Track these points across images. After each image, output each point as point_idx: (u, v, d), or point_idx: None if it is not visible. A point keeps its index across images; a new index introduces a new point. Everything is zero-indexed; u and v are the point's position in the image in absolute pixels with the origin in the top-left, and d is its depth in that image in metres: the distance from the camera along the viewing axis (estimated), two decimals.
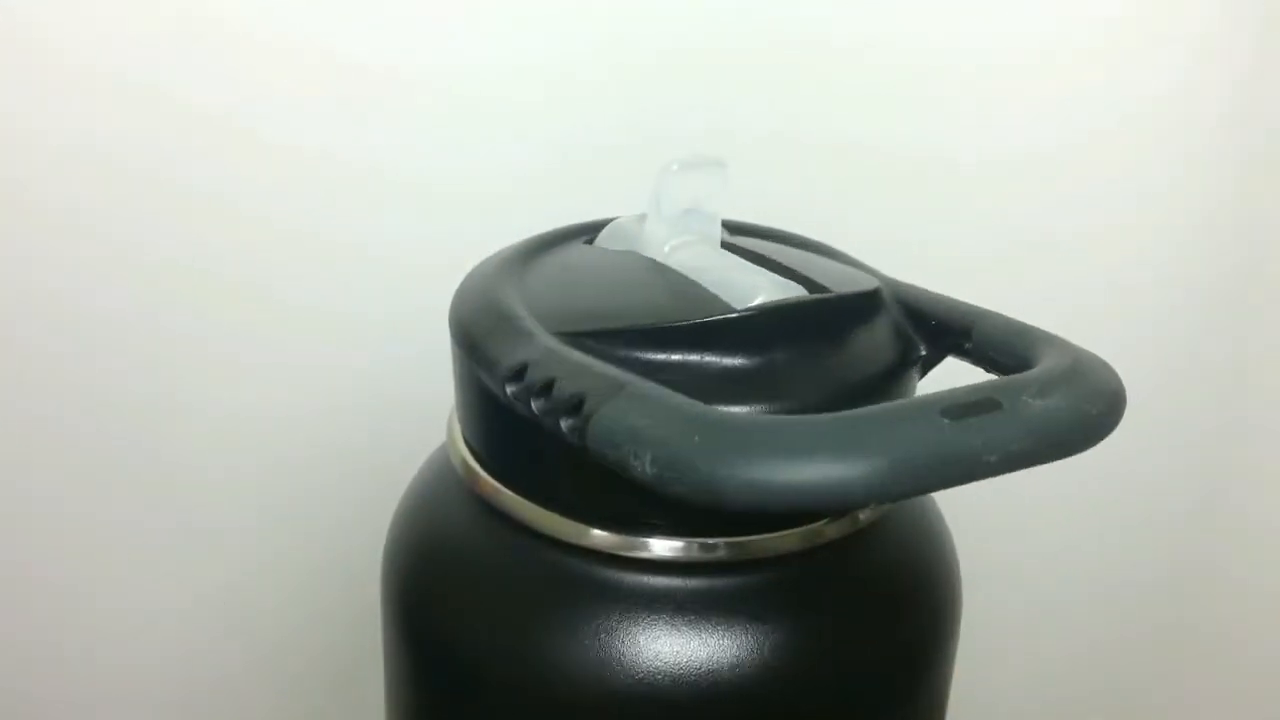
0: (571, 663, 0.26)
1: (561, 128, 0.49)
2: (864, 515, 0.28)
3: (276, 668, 0.56)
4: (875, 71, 0.49)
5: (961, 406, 0.22)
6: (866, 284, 0.28)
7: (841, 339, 0.27)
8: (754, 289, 0.27)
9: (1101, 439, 0.23)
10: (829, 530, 0.27)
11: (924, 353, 0.28)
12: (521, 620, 0.27)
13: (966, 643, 0.31)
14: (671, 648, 0.26)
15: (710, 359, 0.25)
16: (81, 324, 0.49)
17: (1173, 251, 0.52)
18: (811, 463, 0.20)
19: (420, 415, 0.36)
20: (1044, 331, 0.26)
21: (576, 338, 0.25)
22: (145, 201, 0.48)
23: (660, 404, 0.21)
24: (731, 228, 0.32)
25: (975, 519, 0.35)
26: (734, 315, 0.26)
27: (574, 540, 0.26)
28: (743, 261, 0.29)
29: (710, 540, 0.26)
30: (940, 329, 0.28)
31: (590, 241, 0.32)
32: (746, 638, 0.26)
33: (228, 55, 0.47)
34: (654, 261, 0.29)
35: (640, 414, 0.21)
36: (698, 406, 0.21)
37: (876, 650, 0.28)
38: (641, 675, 0.26)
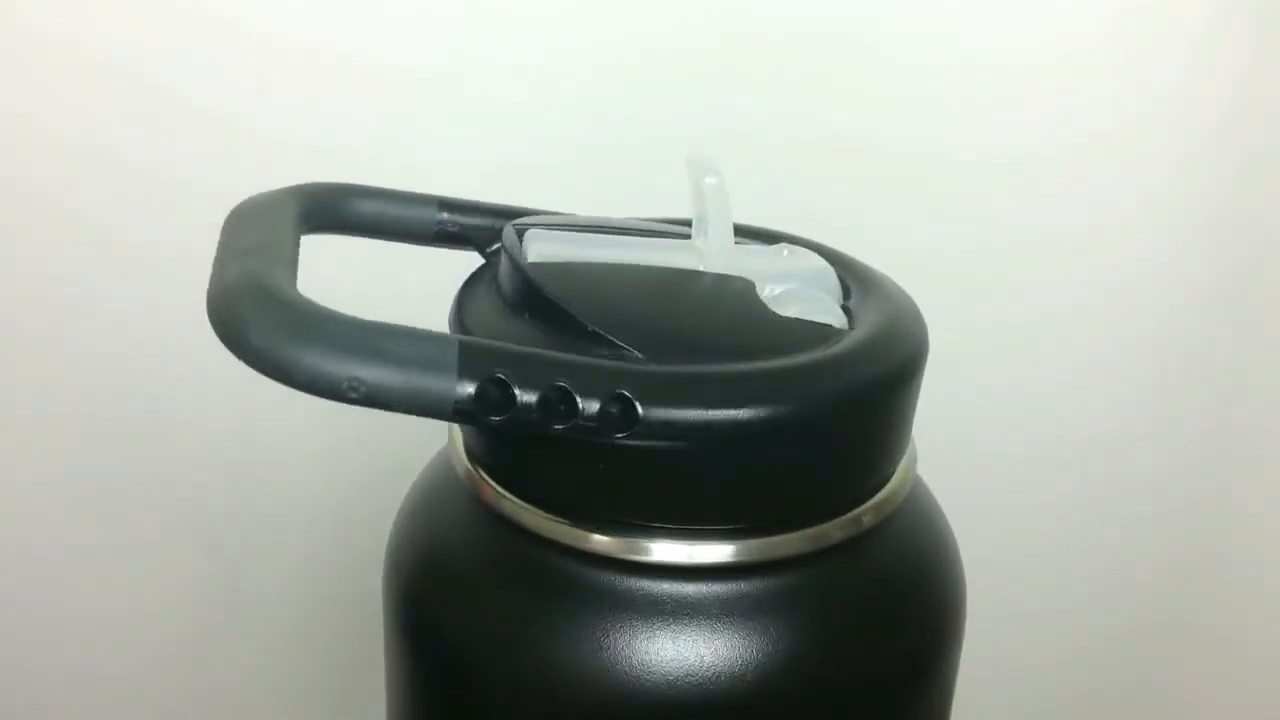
0: (573, 667, 0.26)
1: (562, 126, 0.49)
2: (867, 519, 0.28)
3: (277, 671, 0.56)
4: (876, 71, 0.49)
5: None
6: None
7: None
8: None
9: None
10: (833, 533, 0.27)
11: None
12: (523, 625, 0.26)
13: (967, 643, 0.31)
14: (673, 652, 0.26)
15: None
16: (82, 323, 0.49)
17: (1173, 251, 0.52)
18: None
19: (422, 419, 0.36)
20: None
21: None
22: (147, 200, 0.48)
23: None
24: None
25: (976, 520, 0.35)
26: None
27: (575, 544, 0.26)
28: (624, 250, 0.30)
29: (712, 544, 0.26)
30: None
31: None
32: (749, 642, 0.26)
33: (227, 53, 0.46)
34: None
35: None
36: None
37: (881, 654, 0.28)
38: (643, 680, 0.26)
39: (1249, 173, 0.50)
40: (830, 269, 0.30)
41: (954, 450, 0.42)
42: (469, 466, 0.29)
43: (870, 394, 0.26)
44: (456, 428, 0.30)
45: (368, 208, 0.32)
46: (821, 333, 0.27)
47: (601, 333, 0.26)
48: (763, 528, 0.26)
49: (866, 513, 0.27)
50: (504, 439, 0.27)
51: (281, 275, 0.24)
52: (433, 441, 0.32)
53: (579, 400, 0.23)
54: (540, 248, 0.29)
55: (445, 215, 0.33)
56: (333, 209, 0.32)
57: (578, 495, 0.26)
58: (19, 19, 0.45)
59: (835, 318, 0.28)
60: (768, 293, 0.29)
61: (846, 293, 0.30)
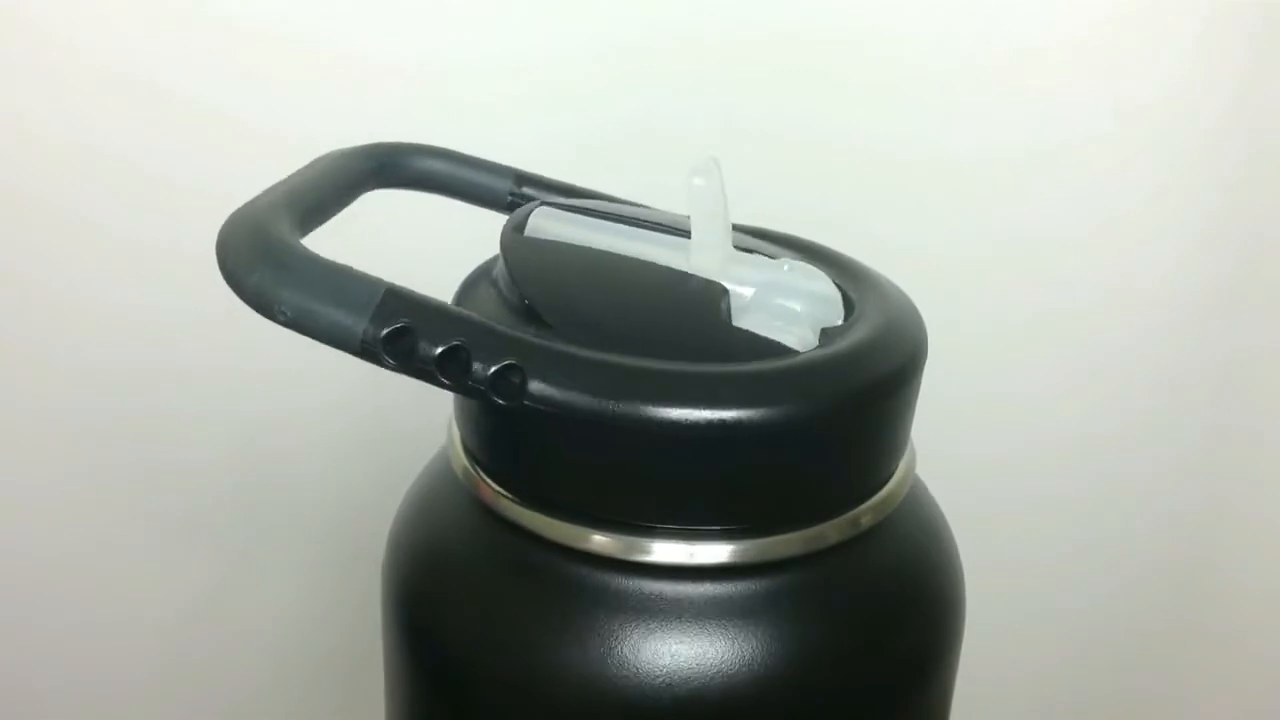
0: (571, 667, 0.26)
1: (561, 125, 0.49)
2: (866, 519, 0.28)
3: (276, 673, 0.56)
4: (875, 70, 0.49)
5: None
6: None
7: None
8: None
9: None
10: (831, 534, 0.27)
11: None
12: (523, 626, 0.26)
13: (967, 643, 0.31)
14: (672, 652, 0.26)
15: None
16: (83, 323, 0.49)
17: (1173, 251, 0.52)
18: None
19: (420, 419, 0.36)
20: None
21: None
22: (148, 200, 0.48)
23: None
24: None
25: (975, 520, 0.35)
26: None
27: (575, 545, 0.26)
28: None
29: (711, 545, 0.26)
30: None
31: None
32: (748, 643, 0.26)
33: (229, 50, 0.46)
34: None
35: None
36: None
37: (880, 654, 0.28)
38: (642, 680, 0.26)
39: (1249, 173, 0.50)
40: (832, 292, 0.29)
41: (953, 450, 0.42)
42: (468, 466, 0.29)
43: (869, 395, 0.26)
44: (455, 428, 0.30)
45: (444, 168, 0.35)
46: (767, 349, 0.27)
47: (534, 307, 0.27)
48: (761, 528, 0.26)
49: (865, 513, 0.27)
50: (509, 439, 0.27)
51: (285, 212, 0.27)
52: (432, 441, 0.32)
53: (473, 361, 0.24)
54: (540, 224, 0.30)
55: (519, 188, 0.35)
56: (408, 166, 0.34)
57: (576, 495, 0.26)
58: (19, 18, 0.45)
59: (797, 339, 0.27)
60: (739, 303, 0.28)
61: (849, 311, 0.29)
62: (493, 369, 0.24)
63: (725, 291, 0.28)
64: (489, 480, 0.28)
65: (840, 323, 0.28)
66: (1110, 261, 0.52)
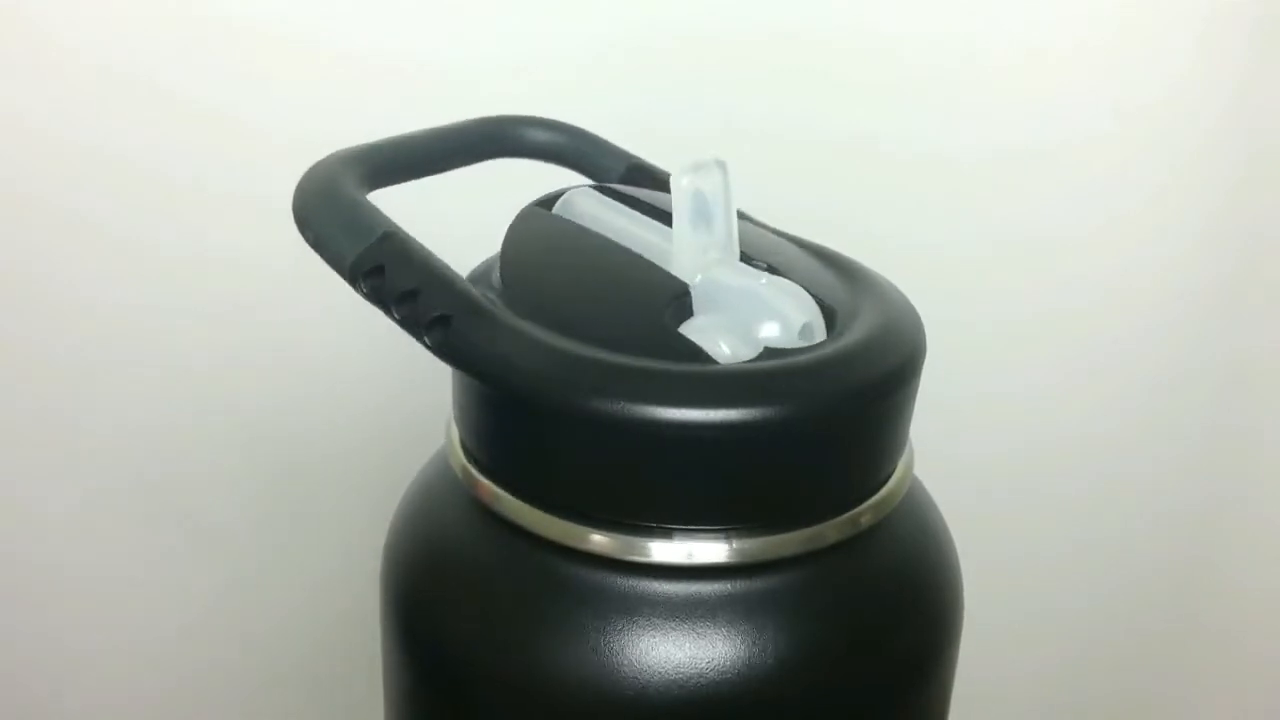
0: (569, 667, 0.26)
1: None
2: (865, 519, 0.28)
3: (275, 672, 0.56)
4: (875, 70, 0.49)
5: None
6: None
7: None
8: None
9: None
10: (830, 533, 0.27)
11: None
12: (521, 626, 0.26)
13: (966, 643, 0.31)
14: (671, 652, 0.26)
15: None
16: (83, 323, 0.49)
17: (1172, 252, 0.52)
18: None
19: (420, 418, 0.36)
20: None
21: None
22: (148, 200, 0.48)
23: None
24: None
25: (975, 520, 0.35)
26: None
27: (573, 544, 0.26)
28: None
29: (710, 544, 0.26)
30: None
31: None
32: (747, 642, 0.26)
33: (229, 50, 0.47)
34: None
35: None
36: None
37: (879, 654, 0.28)
38: (640, 680, 0.26)
39: (1249, 173, 0.50)
40: (797, 315, 0.28)
41: (953, 450, 0.42)
42: (466, 466, 0.29)
43: (868, 395, 0.26)
44: (454, 429, 0.30)
45: (563, 141, 0.37)
46: (687, 353, 0.26)
47: (503, 275, 0.29)
48: (760, 528, 0.26)
49: (864, 513, 0.27)
50: (507, 438, 0.28)
51: (360, 160, 0.30)
52: (432, 442, 0.32)
53: (419, 306, 0.26)
54: (572, 202, 0.31)
55: (629, 174, 0.36)
56: (530, 137, 0.36)
57: (575, 495, 0.26)
58: (19, 18, 0.45)
59: (727, 351, 0.27)
60: (701, 305, 0.27)
61: (831, 327, 0.28)
62: (430, 316, 0.26)
63: (685, 292, 0.27)
64: (488, 480, 0.28)
65: (800, 344, 0.27)
66: (1110, 261, 0.52)
